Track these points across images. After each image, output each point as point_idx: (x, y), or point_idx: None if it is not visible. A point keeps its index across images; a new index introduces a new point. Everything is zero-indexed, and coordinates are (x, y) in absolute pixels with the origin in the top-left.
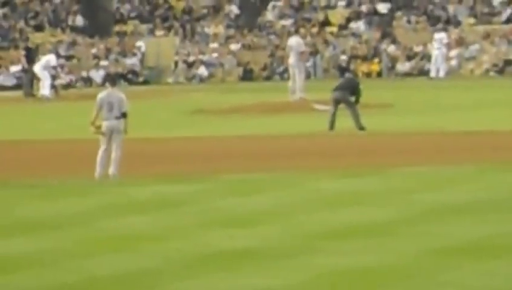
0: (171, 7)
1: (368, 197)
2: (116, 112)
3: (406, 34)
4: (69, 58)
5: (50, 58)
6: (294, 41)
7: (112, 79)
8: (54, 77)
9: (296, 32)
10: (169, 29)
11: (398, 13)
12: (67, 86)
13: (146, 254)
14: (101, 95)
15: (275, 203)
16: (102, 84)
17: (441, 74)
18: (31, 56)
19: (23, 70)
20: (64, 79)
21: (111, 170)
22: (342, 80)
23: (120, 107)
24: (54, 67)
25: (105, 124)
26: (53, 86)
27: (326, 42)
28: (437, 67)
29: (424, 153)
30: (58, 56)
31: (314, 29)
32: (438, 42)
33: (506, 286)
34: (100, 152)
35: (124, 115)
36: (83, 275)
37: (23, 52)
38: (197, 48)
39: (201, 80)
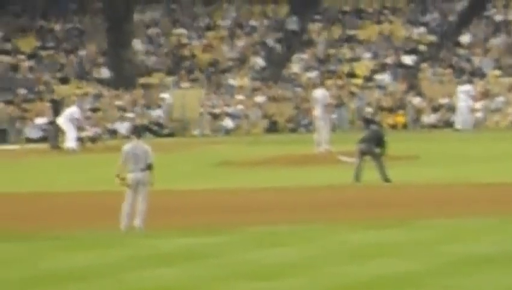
0: (196, 59)
1: (394, 249)
2: (142, 164)
3: (431, 86)
4: (94, 110)
5: (73, 111)
6: (319, 93)
7: (137, 131)
8: (79, 129)
9: (322, 84)
10: (194, 81)
11: (424, 65)
12: (94, 139)
13: None
14: (127, 147)
15: (300, 256)
16: (128, 136)
17: (467, 125)
18: (57, 108)
19: (50, 122)
20: (89, 131)
21: (136, 222)
22: (368, 131)
23: (145, 159)
24: (78, 120)
25: (130, 176)
26: (79, 138)
27: (351, 94)
28: (463, 119)
29: (450, 205)
30: (82, 108)
31: (340, 81)
32: (464, 94)
33: None
34: (125, 204)
35: (149, 167)
36: None
37: (49, 105)
38: (223, 100)
39: (227, 132)
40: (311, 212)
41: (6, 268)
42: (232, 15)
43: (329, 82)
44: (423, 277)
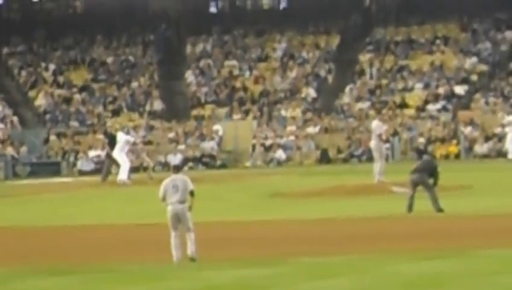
0: (248, 91)
1: (448, 280)
2: (181, 195)
3: (483, 116)
4: (146, 142)
5: (127, 138)
6: (375, 124)
7: (175, 167)
8: (136, 156)
9: (379, 114)
10: (246, 112)
11: (476, 95)
12: (146, 168)
13: None
14: (166, 181)
15: (353, 287)
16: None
17: None
18: (114, 141)
19: (107, 156)
20: (145, 161)
21: (189, 251)
22: (420, 162)
23: (186, 189)
24: (134, 143)
25: (169, 209)
26: (131, 171)
27: (403, 125)
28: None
29: (504, 235)
30: (128, 133)
31: (391, 112)
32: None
33: None
34: (172, 237)
35: (191, 194)
36: None
37: (106, 140)
38: (274, 131)
39: (279, 163)
40: (364, 243)
41: None
42: (283, 46)
43: (385, 112)
44: None
